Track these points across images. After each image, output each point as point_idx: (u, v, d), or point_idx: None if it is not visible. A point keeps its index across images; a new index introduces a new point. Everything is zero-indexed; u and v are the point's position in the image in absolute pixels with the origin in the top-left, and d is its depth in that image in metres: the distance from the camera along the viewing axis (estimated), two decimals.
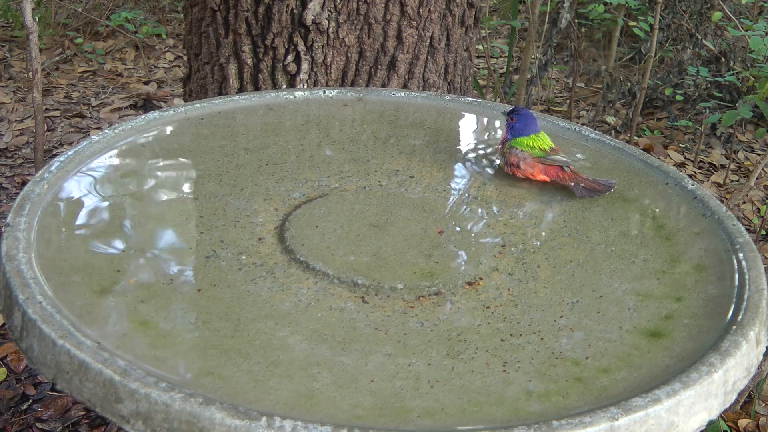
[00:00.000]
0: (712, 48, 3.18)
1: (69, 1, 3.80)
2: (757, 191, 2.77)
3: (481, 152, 1.33)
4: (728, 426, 1.74)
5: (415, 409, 0.79)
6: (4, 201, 2.43)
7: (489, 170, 1.28)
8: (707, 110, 3.05)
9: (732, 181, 2.86)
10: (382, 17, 1.67)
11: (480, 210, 1.17)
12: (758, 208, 2.68)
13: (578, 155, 1.32)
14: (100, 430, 1.66)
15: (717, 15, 2.95)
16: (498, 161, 1.29)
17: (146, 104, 3.18)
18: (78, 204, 1.08)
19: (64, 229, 1.02)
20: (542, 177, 1.22)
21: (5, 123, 2.93)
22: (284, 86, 1.68)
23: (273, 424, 0.71)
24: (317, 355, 0.85)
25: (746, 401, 1.82)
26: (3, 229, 0.96)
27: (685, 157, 2.99)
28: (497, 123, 1.43)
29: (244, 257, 1.01)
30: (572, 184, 1.20)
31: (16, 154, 2.73)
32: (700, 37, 3.13)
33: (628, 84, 3.15)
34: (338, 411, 0.77)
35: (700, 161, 2.98)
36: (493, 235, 1.10)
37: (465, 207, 1.17)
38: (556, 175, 1.21)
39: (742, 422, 1.78)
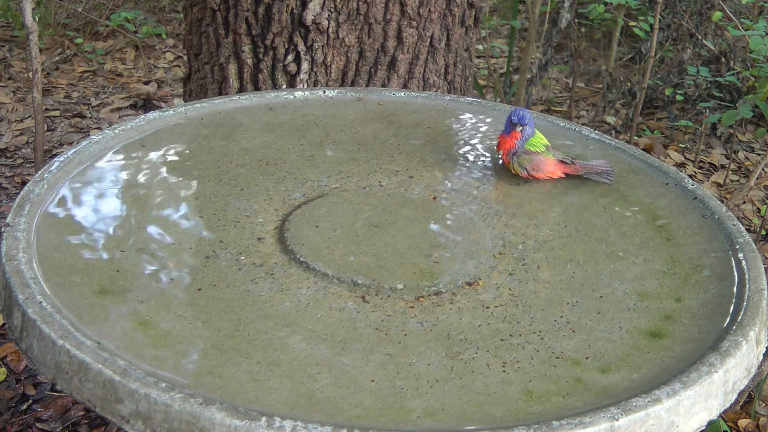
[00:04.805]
0: (712, 48, 3.17)
1: (69, 1, 3.80)
2: (757, 191, 2.77)
3: (481, 152, 1.33)
4: (728, 426, 1.73)
5: (415, 409, 0.79)
6: (4, 201, 2.43)
7: (489, 170, 1.28)
8: (707, 110, 3.05)
9: (732, 181, 2.86)
10: (382, 17, 1.67)
11: (480, 210, 1.17)
12: (758, 208, 2.68)
13: (578, 154, 1.32)
14: (100, 430, 1.66)
15: (717, 15, 2.95)
16: (499, 161, 1.29)
17: (146, 104, 3.18)
18: (78, 204, 1.08)
19: (64, 229, 1.02)
20: (560, 174, 1.25)
21: (5, 123, 2.93)
22: (284, 86, 1.68)
23: (273, 424, 0.71)
24: (317, 355, 0.85)
25: (746, 401, 1.82)
26: (3, 229, 0.96)
27: (685, 157, 2.98)
28: (497, 123, 1.43)
29: (243, 257, 1.01)
30: (584, 172, 1.24)
31: (16, 154, 2.73)
32: (700, 37, 3.13)
33: (628, 84, 3.15)
34: (338, 411, 0.77)
35: (700, 161, 2.98)
36: (493, 235, 1.10)
37: (465, 207, 1.17)
38: (569, 168, 1.25)
39: (742, 422, 1.78)
